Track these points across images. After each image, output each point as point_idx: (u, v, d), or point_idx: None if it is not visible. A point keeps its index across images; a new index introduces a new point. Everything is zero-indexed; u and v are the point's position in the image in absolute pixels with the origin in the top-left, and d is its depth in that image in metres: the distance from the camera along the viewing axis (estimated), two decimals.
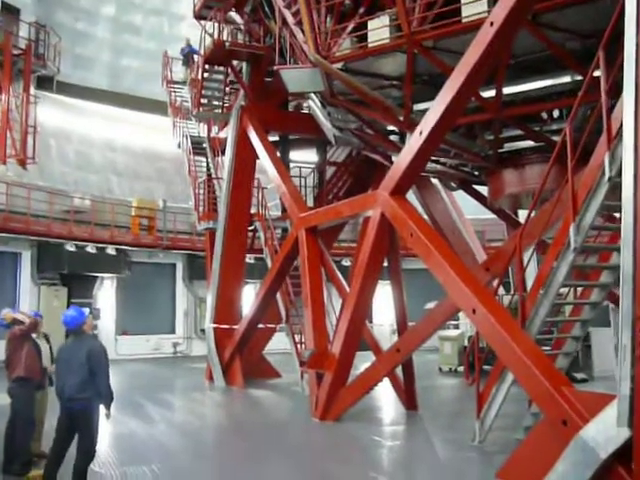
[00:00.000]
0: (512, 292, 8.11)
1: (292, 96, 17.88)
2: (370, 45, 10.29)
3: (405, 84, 10.56)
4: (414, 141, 8.85)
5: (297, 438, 9.62)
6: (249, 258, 22.05)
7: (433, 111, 8.59)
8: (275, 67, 12.44)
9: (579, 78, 9.69)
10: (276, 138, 17.75)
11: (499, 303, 7.53)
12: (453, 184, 16.95)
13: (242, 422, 10.90)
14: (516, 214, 18.24)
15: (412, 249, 8.91)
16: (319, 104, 13.11)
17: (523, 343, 6.81)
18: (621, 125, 5.89)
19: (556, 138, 11.19)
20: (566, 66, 9.75)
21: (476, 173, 14.01)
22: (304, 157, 19.46)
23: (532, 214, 8.32)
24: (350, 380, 10.34)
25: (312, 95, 13.14)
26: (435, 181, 16.24)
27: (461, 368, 18.14)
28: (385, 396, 12.44)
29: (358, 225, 25.81)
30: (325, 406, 10.27)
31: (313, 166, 18.25)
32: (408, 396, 10.99)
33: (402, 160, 9.18)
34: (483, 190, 16.14)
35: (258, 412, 11.98)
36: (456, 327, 20.14)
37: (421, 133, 8.70)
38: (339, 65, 10.99)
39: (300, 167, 18.33)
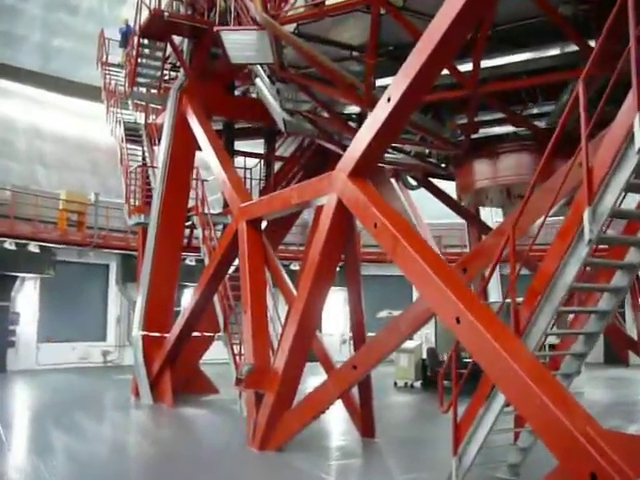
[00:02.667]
0: (503, 297, 6.47)
1: (239, 81, 16.34)
2: (328, 3, 8.64)
3: (368, 53, 8.92)
4: (380, 110, 7.17)
5: (228, 475, 7.79)
6: (189, 260, 20.35)
7: (404, 74, 6.93)
8: (216, 28, 10.65)
9: (570, 50, 8.34)
10: (219, 127, 16.03)
11: (490, 310, 5.85)
12: (413, 182, 15.49)
13: (164, 454, 8.88)
14: (478, 213, 16.92)
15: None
16: (267, 81, 11.37)
17: (527, 363, 5.19)
18: None
19: (538, 123, 9.82)
20: (554, 37, 8.35)
21: (443, 165, 12.46)
22: (251, 149, 17.68)
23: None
24: (296, 402, 8.59)
25: (260, 71, 11.41)
26: (392, 180, 14.70)
27: (418, 383, 16.60)
28: (336, 419, 10.68)
29: (307, 227, 24.40)
30: (265, 433, 8.49)
31: (260, 158, 16.51)
32: (364, 421, 9.28)
33: (365, 134, 7.50)
34: (446, 188, 14.88)
35: (186, 439, 10.01)
36: (411, 338, 18.59)
37: (389, 100, 7.03)
38: (291, 28, 9.29)
39: (245, 157, 16.60)
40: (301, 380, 8.75)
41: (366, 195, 7.24)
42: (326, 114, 11.42)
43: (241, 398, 11.11)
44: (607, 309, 6.03)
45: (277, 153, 16.83)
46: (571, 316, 8.42)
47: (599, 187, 5.32)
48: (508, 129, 10.24)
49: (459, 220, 16.69)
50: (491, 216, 19.94)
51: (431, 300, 6.00)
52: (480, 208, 17.09)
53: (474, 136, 10.29)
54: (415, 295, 32.21)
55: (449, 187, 14.96)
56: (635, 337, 16.09)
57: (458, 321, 5.53)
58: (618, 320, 15.29)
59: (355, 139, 7.85)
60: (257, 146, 17.31)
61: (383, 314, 22.98)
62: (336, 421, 10.69)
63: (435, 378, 16.32)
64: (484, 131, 10.36)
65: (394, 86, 7.05)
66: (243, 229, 10.02)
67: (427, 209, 16.20)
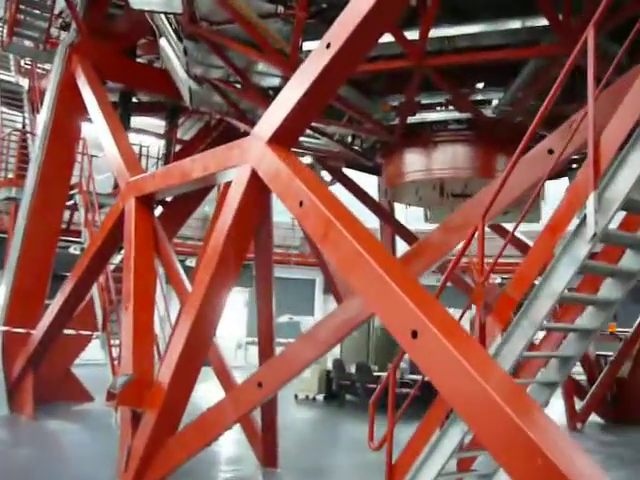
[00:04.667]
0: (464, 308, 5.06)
1: (142, 51, 14.39)
2: None
3: (299, 4, 7.41)
4: (317, 58, 5.61)
5: None
6: (74, 248, 18.10)
7: (352, 14, 5.40)
8: None
9: (532, 25, 7.23)
10: (115, 99, 13.97)
11: (456, 322, 4.39)
12: (328, 177, 14.13)
13: None
14: (393, 213, 15.78)
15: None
16: (174, 37, 9.59)
17: (507, 392, 3.77)
18: None
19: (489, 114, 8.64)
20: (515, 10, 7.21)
21: (368, 155, 11.07)
22: (149, 127, 15.72)
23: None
24: (183, 424, 6.85)
25: (165, 24, 9.61)
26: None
27: (321, 396, 15.15)
28: (230, 443, 8.98)
29: (207, 221, 22.51)
30: (142, 463, 6.70)
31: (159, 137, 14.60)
32: (266, 447, 7.66)
33: (293, 90, 5.92)
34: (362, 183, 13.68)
35: (38, 465, 7.96)
36: None
37: (329, 46, 5.48)
38: None
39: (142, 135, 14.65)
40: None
41: (290, 166, 5.65)
42: (240, 85, 9.76)
43: (118, 411, 9.21)
44: (591, 327, 4.74)
45: (177, 136, 15.02)
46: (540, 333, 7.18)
47: (609, 166, 4.01)
48: (448, 115, 9.03)
49: (371, 224, 15.44)
50: (405, 218, 18.91)
51: (376, 305, 4.46)
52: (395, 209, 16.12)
53: (410, 120, 8.97)
54: (318, 300, 31.14)
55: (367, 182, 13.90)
56: None
57: (414, 335, 4.02)
58: None
59: (278, 98, 6.26)
60: (157, 129, 15.44)
61: (284, 319, 21.55)
62: (230, 445, 8.96)
63: (340, 392, 15.00)
64: (421, 116, 9.06)
65: (336, 30, 5.50)
66: (131, 208, 8.18)
67: None
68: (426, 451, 4.87)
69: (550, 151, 6.19)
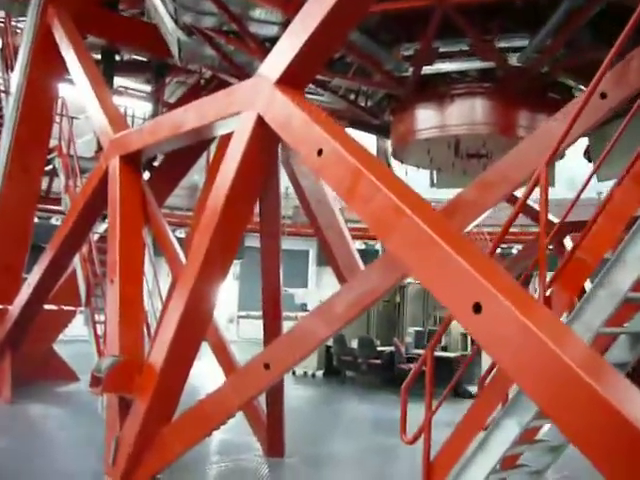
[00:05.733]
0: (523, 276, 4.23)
1: (125, 4, 13.31)
2: None
3: None
4: None
5: None
6: (55, 219, 17.28)
7: None
8: None
9: None
10: (97, 57, 12.93)
11: (527, 292, 3.54)
12: None
13: None
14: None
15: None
16: None
17: (591, 366, 2.93)
18: None
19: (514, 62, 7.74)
20: None
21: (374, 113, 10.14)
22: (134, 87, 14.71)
23: None
24: (179, 412, 6.01)
25: None
26: None
27: (320, 373, 14.40)
28: (232, 430, 8.12)
29: (197, 190, 21.52)
30: (132, 457, 5.88)
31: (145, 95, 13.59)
32: (272, 436, 6.85)
33: (305, 22, 4.98)
34: None
35: (11, 458, 7.07)
36: None
37: None
38: None
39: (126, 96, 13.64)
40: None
41: (305, 110, 4.74)
42: (236, 33, 8.76)
43: (104, 396, 8.35)
44: None
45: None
46: None
47: None
48: (467, 65, 8.13)
49: None
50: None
51: (424, 274, 3.58)
52: None
53: (424, 71, 8.05)
54: (311, 272, 30.35)
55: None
56: None
57: (477, 309, 3.17)
58: None
59: (287, 34, 5.32)
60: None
61: (294, 291, 20.87)
62: (232, 433, 8.09)
63: (341, 368, 14.26)
64: (437, 67, 8.14)
65: None
66: (115, 168, 7.22)
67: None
68: (474, 448, 4.09)
69: (603, 95, 5.36)
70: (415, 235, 3.54)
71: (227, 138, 6.02)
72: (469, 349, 13.27)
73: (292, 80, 5.06)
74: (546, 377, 3.02)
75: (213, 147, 12.47)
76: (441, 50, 7.82)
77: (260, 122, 5.10)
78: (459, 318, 3.32)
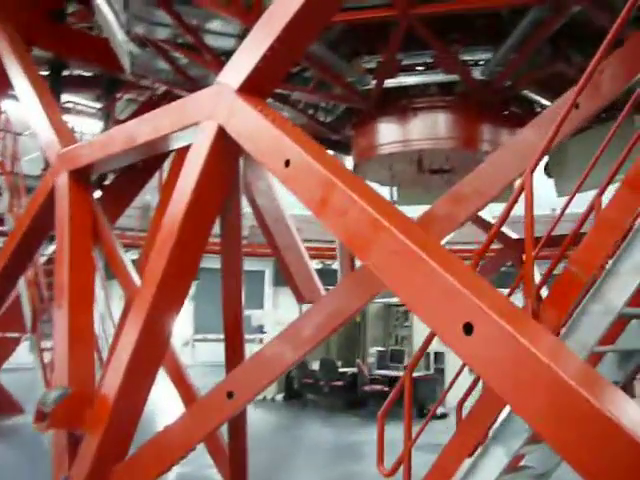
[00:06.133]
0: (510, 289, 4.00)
1: (74, 18, 12.85)
2: None
3: None
4: None
5: None
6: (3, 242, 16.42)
7: None
8: None
9: None
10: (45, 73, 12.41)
11: (519, 309, 3.27)
12: None
13: None
14: None
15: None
16: None
17: (591, 383, 2.67)
18: None
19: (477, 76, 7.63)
20: None
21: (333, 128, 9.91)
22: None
23: None
24: (134, 447, 5.55)
25: None
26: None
27: (280, 397, 13.96)
28: (194, 463, 7.63)
29: (150, 210, 20.95)
30: None
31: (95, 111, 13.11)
32: (235, 469, 6.41)
33: (270, 26, 4.68)
34: None
35: None
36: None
37: None
38: None
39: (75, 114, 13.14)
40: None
41: (269, 119, 4.42)
42: (192, 46, 8.42)
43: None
44: None
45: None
46: None
47: None
48: (431, 78, 7.99)
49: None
50: None
51: (406, 292, 3.28)
52: None
53: (387, 84, 7.88)
54: (267, 292, 29.91)
55: None
56: None
57: (468, 330, 2.88)
58: None
59: (248, 40, 5.01)
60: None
61: (252, 312, 20.53)
62: (192, 466, 7.58)
63: (302, 391, 13.87)
64: (400, 80, 7.97)
65: None
66: (64, 184, 6.77)
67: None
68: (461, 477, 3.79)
69: (576, 106, 5.21)
70: (395, 250, 3.24)
71: (183, 153, 5.69)
72: (432, 369, 13.11)
73: (255, 88, 4.75)
74: (546, 399, 2.75)
75: (166, 165, 12.09)
76: (404, 63, 7.69)
77: (221, 133, 4.76)
78: (448, 340, 3.03)
